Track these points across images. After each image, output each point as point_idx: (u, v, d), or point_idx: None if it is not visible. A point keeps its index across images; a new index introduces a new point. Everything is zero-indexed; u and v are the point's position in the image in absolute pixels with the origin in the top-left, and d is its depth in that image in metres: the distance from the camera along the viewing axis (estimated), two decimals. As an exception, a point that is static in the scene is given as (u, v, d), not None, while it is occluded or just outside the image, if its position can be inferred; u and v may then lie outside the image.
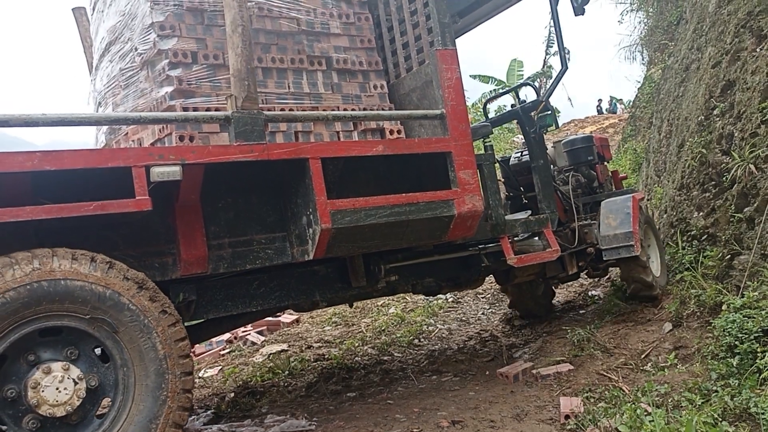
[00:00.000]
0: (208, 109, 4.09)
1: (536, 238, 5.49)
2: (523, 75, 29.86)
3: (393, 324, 7.65)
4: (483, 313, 7.73)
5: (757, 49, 5.59)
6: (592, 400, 4.53)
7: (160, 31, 4.10)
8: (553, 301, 7.37)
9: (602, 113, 29.57)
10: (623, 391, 4.55)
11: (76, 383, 3.10)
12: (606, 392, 4.59)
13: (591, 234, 5.99)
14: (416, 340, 6.88)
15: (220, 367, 7.21)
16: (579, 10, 5.74)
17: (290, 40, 4.59)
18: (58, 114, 3.37)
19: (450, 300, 8.50)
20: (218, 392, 6.07)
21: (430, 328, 7.28)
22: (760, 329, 4.12)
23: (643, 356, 5.15)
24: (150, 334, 3.29)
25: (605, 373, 5.00)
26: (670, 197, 7.03)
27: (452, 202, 4.37)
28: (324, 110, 4.51)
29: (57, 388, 3.05)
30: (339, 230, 3.88)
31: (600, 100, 31.90)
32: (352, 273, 4.68)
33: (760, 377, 3.80)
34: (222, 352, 7.93)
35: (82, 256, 3.19)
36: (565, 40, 5.91)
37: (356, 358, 6.49)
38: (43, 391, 3.01)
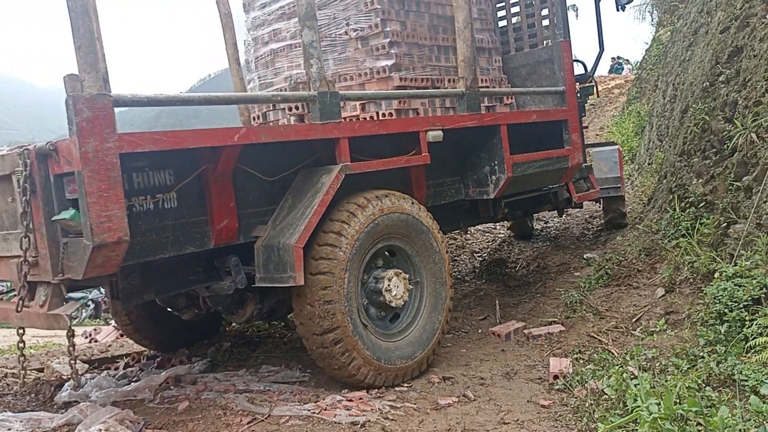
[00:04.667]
0: (413, 80, 5.26)
1: (582, 180, 6.85)
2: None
3: (389, 279, 7.72)
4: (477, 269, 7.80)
5: (767, 16, 5.50)
6: (581, 362, 4.62)
7: (382, 15, 5.12)
8: (548, 263, 7.45)
9: (609, 73, 29.10)
10: (612, 353, 4.63)
11: (404, 284, 4.50)
12: (595, 354, 4.67)
13: None
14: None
15: (217, 317, 7.31)
16: (621, 8, 6.90)
17: (449, 23, 5.55)
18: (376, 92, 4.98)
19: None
20: (214, 341, 6.16)
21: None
22: (749, 298, 4.17)
23: (634, 320, 5.22)
24: (439, 257, 4.74)
25: (595, 336, 5.08)
26: (670, 163, 7.01)
27: (568, 157, 5.96)
28: None
29: (397, 286, 4.44)
30: (514, 177, 5.36)
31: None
32: (482, 208, 6.00)
33: (746, 345, 3.86)
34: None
35: (417, 203, 4.66)
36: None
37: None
38: (391, 283, 4.41)
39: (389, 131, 4.63)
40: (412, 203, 4.60)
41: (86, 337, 7.92)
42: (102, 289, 20.14)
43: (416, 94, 5.09)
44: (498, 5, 6.71)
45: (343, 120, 4.38)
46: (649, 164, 9.72)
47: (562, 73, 6.06)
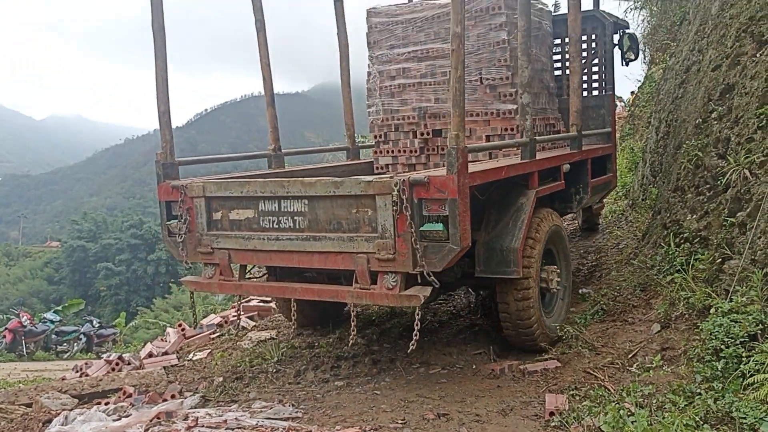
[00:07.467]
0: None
1: None
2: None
3: (384, 314, 7.66)
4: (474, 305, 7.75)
5: (757, 54, 5.59)
6: (577, 398, 4.57)
7: (512, 71, 6.62)
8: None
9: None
10: (608, 390, 4.59)
11: (557, 276, 5.92)
12: (591, 391, 4.62)
13: None
14: (406, 332, 6.89)
15: (209, 351, 7.23)
16: (625, 63, 8.24)
17: (537, 74, 6.95)
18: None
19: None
20: (207, 376, 6.09)
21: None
22: (746, 334, 4.15)
23: (630, 356, 5.18)
24: (567, 256, 6.40)
25: (592, 372, 5.04)
26: (664, 198, 7.05)
27: (611, 180, 7.98)
28: (547, 120, 7.31)
29: (554, 278, 5.83)
30: (590, 197, 7.09)
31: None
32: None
33: (744, 382, 3.83)
34: (212, 336, 7.95)
35: (558, 216, 6.22)
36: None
37: (345, 347, 6.52)
38: (551, 276, 5.81)
39: (551, 165, 6.21)
40: (559, 217, 6.17)
41: (77, 371, 7.81)
42: (95, 323, 19.79)
43: (561, 137, 6.98)
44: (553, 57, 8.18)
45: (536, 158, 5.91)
46: (643, 200, 9.75)
47: (609, 118, 7.91)
